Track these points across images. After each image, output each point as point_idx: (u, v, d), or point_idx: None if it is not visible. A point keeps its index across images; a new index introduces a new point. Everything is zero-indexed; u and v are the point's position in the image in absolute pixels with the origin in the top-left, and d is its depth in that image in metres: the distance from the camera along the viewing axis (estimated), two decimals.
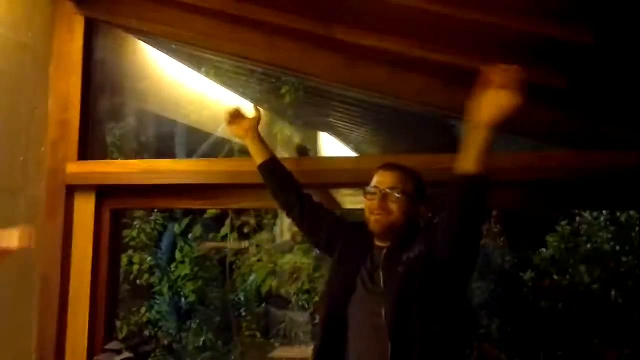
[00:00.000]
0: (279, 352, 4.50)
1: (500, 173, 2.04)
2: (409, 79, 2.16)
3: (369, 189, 1.74)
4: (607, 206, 3.04)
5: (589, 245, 3.81)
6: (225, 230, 4.82)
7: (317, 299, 4.93)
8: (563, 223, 3.99)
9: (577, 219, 3.97)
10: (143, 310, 4.56)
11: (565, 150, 2.14)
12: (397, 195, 1.68)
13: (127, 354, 2.41)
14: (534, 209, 3.35)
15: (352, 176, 2.16)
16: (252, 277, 4.85)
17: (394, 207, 1.68)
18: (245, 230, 4.85)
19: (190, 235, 4.81)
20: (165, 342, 4.59)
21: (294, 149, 5.83)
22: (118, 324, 3.39)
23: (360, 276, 1.69)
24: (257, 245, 4.95)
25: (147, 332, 4.56)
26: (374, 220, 1.69)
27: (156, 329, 4.64)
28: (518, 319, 3.96)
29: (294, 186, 2.00)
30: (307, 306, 4.89)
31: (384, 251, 1.70)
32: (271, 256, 4.89)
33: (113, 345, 2.41)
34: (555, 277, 3.90)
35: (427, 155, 2.16)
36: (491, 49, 1.88)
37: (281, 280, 4.88)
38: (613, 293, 3.61)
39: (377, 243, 1.74)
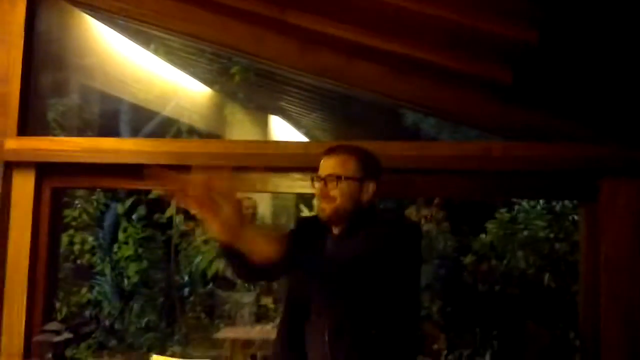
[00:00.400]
0: (223, 332, 4.50)
1: (445, 162, 2.13)
2: (362, 67, 2.17)
3: (314, 176, 1.69)
4: (544, 196, 3.18)
5: (525, 232, 3.98)
6: (170, 211, 4.76)
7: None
8: (502, 210, 4.15)
9: (516, 207, 4.14)
10: (84, 290, 4.46)
11: (506, 142, 2.23)
12: (336, 180, 1.63)
13: (66, 335, 2.36)
14: (476, 197, 3.47)
15: (302, 161, 2.17)
16: (198, 259, 4.81)
17: (335, 193, 1.63)
18: (192, 211, 4.78)
19: (134, 216, 4.71)
20: (107, 323, 4.52)
21: (245, 132, 5.79)
22: (58, 304, 3.32)
23: None
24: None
25: (87, 313, 4.48)
26: (320, 209, 1.66)
27: (97, 310, 4.56)
28: (458, 300, 4.11)
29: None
30: (252, 287, 4.91)
31: (334, 238, 1.68)
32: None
33: (52, 326, 2.35)
34: (494, 261, 4.06)
35: (376, 143, 2.18)
36: (442, 41, 1.92)
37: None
38: (546, 277, 3.79)
39: (333, 230, 1.70)
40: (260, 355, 4.07)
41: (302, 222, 1.85)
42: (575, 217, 3.76)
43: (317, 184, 1.67)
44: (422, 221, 4.47)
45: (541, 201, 3.94)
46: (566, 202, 3.82)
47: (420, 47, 1.95)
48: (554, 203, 3.90)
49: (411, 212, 4.62)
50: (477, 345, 3.72)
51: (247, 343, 4.25)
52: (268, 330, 4.31)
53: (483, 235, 4.19)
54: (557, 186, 2.19)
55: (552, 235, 3.86)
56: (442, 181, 2.21)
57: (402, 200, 4.69)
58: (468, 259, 4.17)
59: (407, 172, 2.17)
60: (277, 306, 4.84)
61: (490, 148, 2.12)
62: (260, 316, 4.82)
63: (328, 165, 1.66)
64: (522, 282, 3.92)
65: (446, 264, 4.36)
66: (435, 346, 3.74)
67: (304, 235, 1.73)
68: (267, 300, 4.95)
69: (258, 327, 4.52)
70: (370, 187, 1.66)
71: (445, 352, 3.76)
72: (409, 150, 2.16)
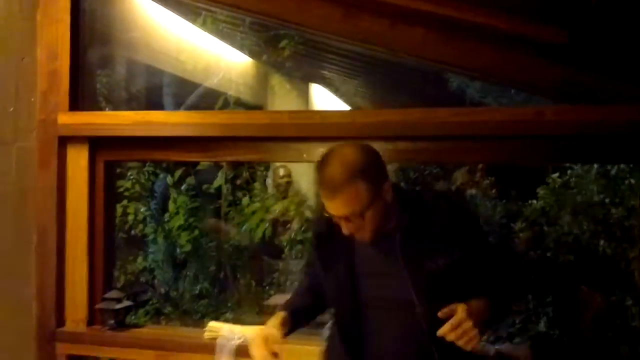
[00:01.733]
0: (274, 299, 4.59)
1: (496, 127, 2.07)
2: (408, 32, 2.11)
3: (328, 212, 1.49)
4: (599, 160, 3.07)
5: (579, 198, 3.85)
6: (218, 182, 4.84)
7: (310, 247, 5.02)
8: (554, 175, 4.03)
9: (568, 171, 4.00)
10: (139, 259, 4.62)
11: (559, 105, 2.14)
12: (358, 219, 1.46)
13: (127, 302, 2.45)
14: (527, 162, 3.37)
15: (349, 130, 2.16)
16: (245, 227, 4.90)
17: (365, 223, 1.47)
18: (238, 182, 4.87)
19: (183, 186, 4.82)
20: (162, 290, 4.67)
21: (287, 102, 5.79)
22: (115, 273, 3.44)
23: (359, 260, 1.57)
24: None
25: (143, 281, 4.64)
26: (358, 238, 1.52)
27: (152, 278, 4.71)
28: (508, 267, 4.04)
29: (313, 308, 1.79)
30: (300, 255, 4.98)
31: (397, 238, 1.53)
32: (264, 207, 4.95)
33: (113, 294, 2.45)
34: (545, 227, 3.96)
35: (421, 110, 2.14)
36: (491, 2, 1.85)
37: (274, 230, 4.94)
38: (601, 243, 3.68)
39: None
40: None
41: (319, 226, 1.67)
42: (632, 181, 3.61)
43: (341, 223, 1.49)
44: (468, 187, 4.39)
45: (595, 165, 3.80)
46: (622, 165, 3.67)
47: (467, 9, 1.89)
48: (608, 167, 3.75)
49: (457, 177, 4.55)
50: (530, 313, 3.66)
51: None
52: None
53: (534, 201, 4.08)
54: (612, 149, 2.10)
55: (607, 200, 3.72)
56: (493, 147, 2.16)
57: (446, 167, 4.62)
58: (518, 225, 4.09)
59: (456, 138, 2.12)
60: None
61: (542, 112, 2.04)
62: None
63: (340, 206, 1.45)
64: (575, 248, 3.82)
65: (495, 231, 4.28)
66: None
67: (325, 239, 1.62)
68: None
69: None
70: (387, 188, 1.49)
71: None
72: (458, 116, 2.10)
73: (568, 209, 3.84)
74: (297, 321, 1.70)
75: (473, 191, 4.52)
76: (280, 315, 1.66)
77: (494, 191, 4.44)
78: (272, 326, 1.61)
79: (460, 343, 1.34)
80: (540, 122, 2.02)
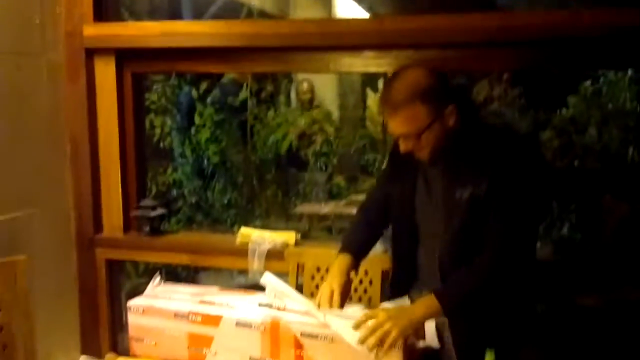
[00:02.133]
0: (300, 208, 4.73)
1: (528, 31, 2.00)
2: None
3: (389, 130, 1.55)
4: (635, 65, 2.97)
5: (610, 105, 3.76)
6: (243, 95, 4.85)
7: (334, 161, 5.08)
8: (586, 83, 3.92)
9: (601, 79, 3.88)
10: (169, 171, 4.73)
11: (596, 8, 2.05)
12: (414, 139, 1.49)
13: (160, 210, 2.52)
14: (563, 67, 3.26)
15: (376, 38, 2.11)
16: (271, 139, 4.96)
17: (421, 144, 1.50)
18: (263, 95, 4.86)
19: (208, 99, 4.83)
20: (192, 200, 4.81)
21: (313, 12, 5.64)
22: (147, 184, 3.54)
23: (418, 185, 1.64)
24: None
25: (174, 191, 4.78)
26: (416, 157, 1.55)
27: (181, 189, 4.85)
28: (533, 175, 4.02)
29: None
30: (324, 168, 5.05)
31: (440, 169, 1.58)
32: (289, 120, 4.98)
33: (147, 202, 2.52)
34: (574, 136, 3.91)
35: (450, 15, 2.07)
36: None
37: (300, 142, 5.00)
38: (630, 151, 3.63)
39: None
40: (335, 228, 4.27)
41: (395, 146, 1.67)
42: None
43: (400, 140, 1.53)
44: (493, 97, 4.30)
45: (629, 72, 3.67)
46: None
47: None
48: None
49: (482, 88, 4.45)
50: (554, 218, 3.69)
51: (323, 217, 4.47)
52: (341, 206, 4.50)
53: (564, 110, 4.00)
54: None
55: (639, 108, 3.63)
56: (526, 53, 2.09)
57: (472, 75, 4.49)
58: (546, 134, 4.03)
59: (488, 45, 2.06)
60: (348, 184, 5.00)
61: (580, 14, 1.96)
62: (333, 194, 4.99)
63: (398, 125, 1.49)
64: (603, 156, 3.77)
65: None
66: None
67: (397, 161, 1.67)
68: (339, 179, 5.09)
69: (332, 204, 4.70)
70: (450, 111, 1.48)
71: None
72: (491, 20, 2.03)
73: (598, 117, 3.76)
74: (359, 260, 1.73)
75: (499, 102, 4.43)
76: (346, 261, 1.67)
77: (522, 100, 4.34)
78: (342, 271, 1.63)
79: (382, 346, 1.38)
80: (578, 25, 1.95)
